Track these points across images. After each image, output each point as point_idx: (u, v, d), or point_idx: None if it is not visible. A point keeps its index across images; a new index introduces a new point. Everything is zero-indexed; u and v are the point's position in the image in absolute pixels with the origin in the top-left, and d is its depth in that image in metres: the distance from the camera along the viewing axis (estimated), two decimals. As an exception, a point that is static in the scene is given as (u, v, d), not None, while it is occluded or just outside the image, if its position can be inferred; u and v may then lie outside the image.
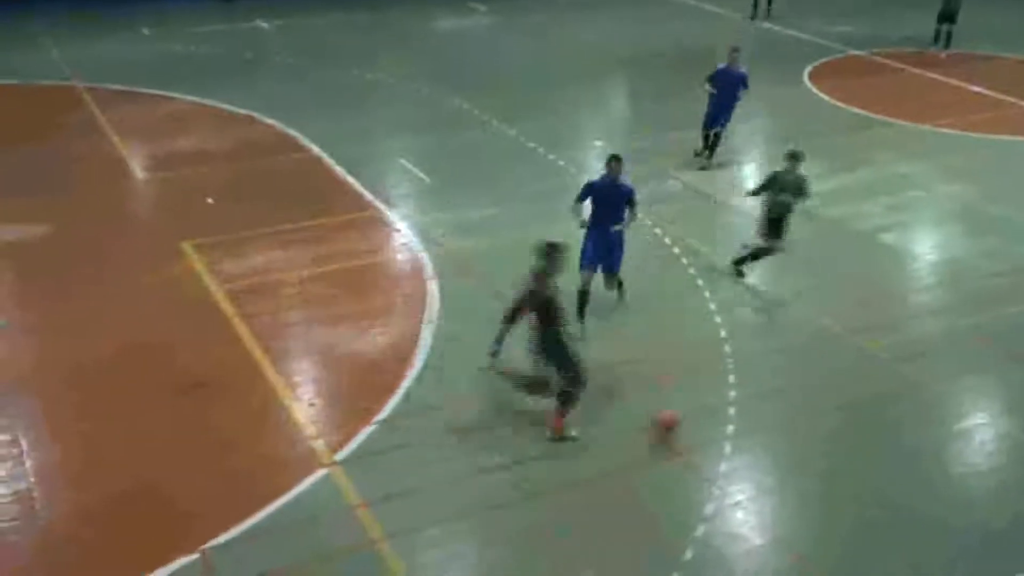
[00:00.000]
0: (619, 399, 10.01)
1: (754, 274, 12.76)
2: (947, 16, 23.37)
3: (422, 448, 9.23)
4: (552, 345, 8.99)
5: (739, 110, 16.23)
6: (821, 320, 11.58)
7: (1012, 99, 19.90)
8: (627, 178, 11.16)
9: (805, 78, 21.34)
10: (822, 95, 20.29)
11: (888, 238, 13.87)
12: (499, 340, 9.21)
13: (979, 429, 9.72)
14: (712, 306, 11.89)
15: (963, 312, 11.82)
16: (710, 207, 14.95)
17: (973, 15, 24.77)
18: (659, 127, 18.38)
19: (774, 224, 12.24)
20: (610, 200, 11.02)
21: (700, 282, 12.49)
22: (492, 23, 27.66)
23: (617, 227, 11.05)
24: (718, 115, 16.10)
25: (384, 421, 9.63)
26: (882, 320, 11.65)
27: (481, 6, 29.20)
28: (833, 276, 12.74)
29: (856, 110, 19.26)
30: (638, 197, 11.19)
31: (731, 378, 10.37)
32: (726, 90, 15.91)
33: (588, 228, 11.13)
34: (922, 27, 24.83)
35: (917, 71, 22.18)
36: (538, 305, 8.91)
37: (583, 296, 11.08)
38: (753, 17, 26.67)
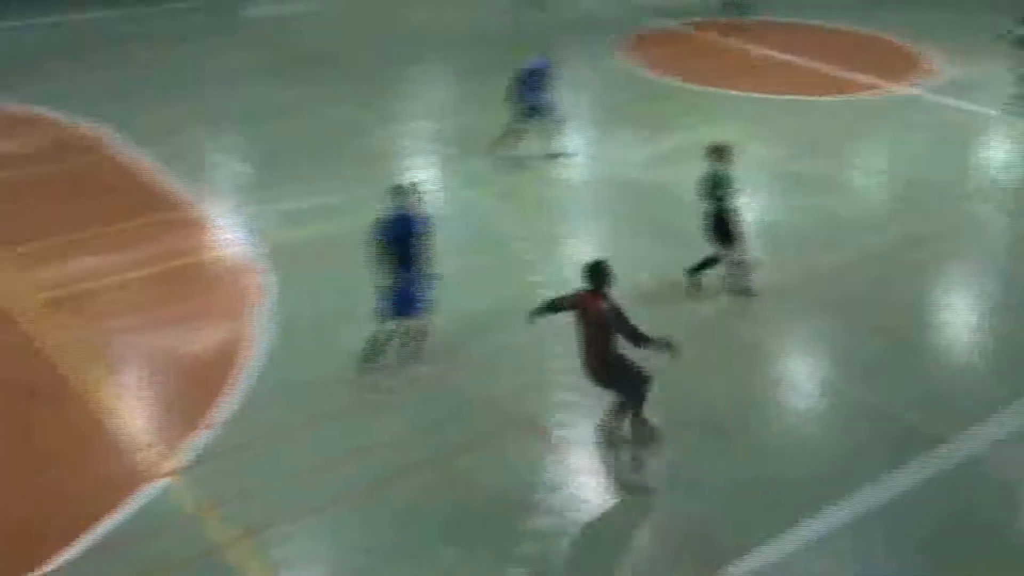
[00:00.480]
0: (461, 373, 10.10)
1: (580, 243, 13.08)
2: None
3: (266, 446, 9.07)
4: (618, 359, 8.47)
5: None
6: (649, 283, 11.92)
7: (811, 63, 21.00)
8: (422, 208, 10.01)
9: (614, 50, 21.90)
10: (631, 66, 20.89)
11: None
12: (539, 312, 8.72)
13: (801, 377, 10.33)
14: (538, 278, 12.05)
15: (780, 266, 12.42)
16: (541, 182, 15.19)
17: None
18: (493, 105, 18.51)
19: (719, 228, 11.50)
20: (402, 237, 9.67)
21: (529, 258, 12.69)
22: (317, 7, 27.18)
23: (415, 269, 9.75)
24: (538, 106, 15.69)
25: (223, 423, 9.39)
26: (710, 278, 12.11)
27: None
28: (654, 238, 13.15)
29: (667, 79, 19.92)
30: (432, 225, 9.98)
31: (558, 347, 10.44)
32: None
33: (390, 272, 9.71)
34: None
35: (722, 39, 23.09)
36: (604, 320, 8.26)
37: (378, 344, 10.02)
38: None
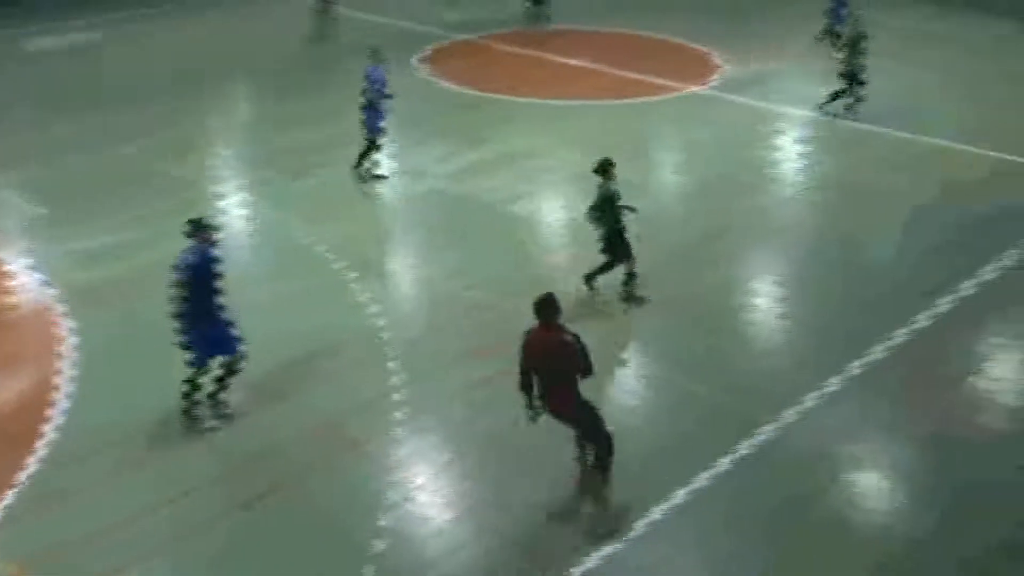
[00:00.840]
0: (282, 404, 9.78)
1: (399, 259, 12.99)
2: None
3: (76, 499, 8.48)
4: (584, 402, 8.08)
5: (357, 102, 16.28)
6: (471, 293, 11.98)
7: (607, 68, 21.62)
8: (221, 241, 9.44)
9: (413, 64, 21.89)
10: (433, 79, 20.93)
11: (516, 208, 14.60)
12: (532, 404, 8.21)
13: (626, 372, 10.55)
14: (365, 297, 11.91)
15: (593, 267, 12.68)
16: (350, 200, 14.95)
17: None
18: (289, 127, 18.14)
19: (615, 242, 11.49)
20: (203, 275, 8.98)
21: (349, 276, 12.47)
22: (95, 38, 25.88)
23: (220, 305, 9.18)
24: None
25: (30, 478, 8.73)
26: (528, 282, 12.21)
27: (79, 21, 27.21)
28: (473, 251, 13.21)
29: (469, 90, 20.06)
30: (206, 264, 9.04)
31: (391, 365, 10.45)
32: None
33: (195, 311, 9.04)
34: (521, 9, 26.38)
35: (521, 50, 23.46)
36: (571, 350, 7.83)
37: (193, 386, 9.40)
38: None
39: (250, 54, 23.74)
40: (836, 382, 10.08)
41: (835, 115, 17.76)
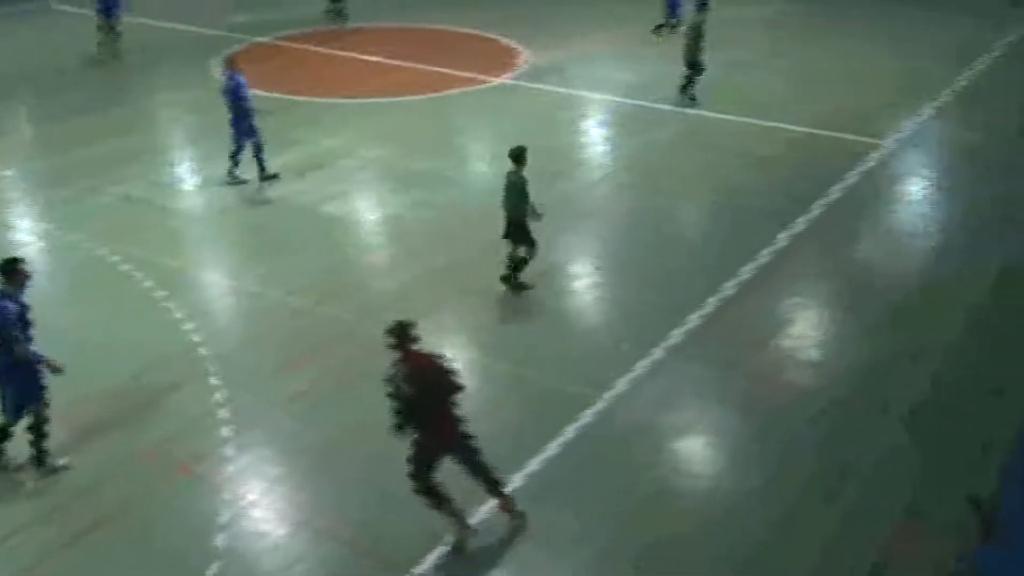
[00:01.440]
0: (103, 432, 9.34)
1: (211, 271, 12.61)
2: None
3: None
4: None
5: (157, 114, 15.73)
6: (291, 299, 11.76)
7: (410, 63, 21.60)
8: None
9: (211, 70, 21.23)
10: (236, 84, 20.33)
11: (331, 208, 14.42)
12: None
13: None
14: (179, 315, 11.50)
15: (412, 264, 12.68)
16: (155, 214, 14.36)
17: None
18: (82, 142, 17.24)
19: (522, 229, 11.54)
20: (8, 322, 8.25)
21: (159, 294, 11.99)
22: None
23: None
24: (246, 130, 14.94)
25: None
26: (346, 285, 12.12)
27: None
28: (291, 255, 12.96)
29: (272, 94, 19.61)
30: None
31: (214, 380, 10.15)
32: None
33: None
34: (316, 8, 25.97)
35: (320, 49, 23.11)
36: (444, 372, 7.43)
37: (4, 434, 8.75)
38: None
39: (33, 70, 22.37)
40: (655, 355, 10.46)
41: (693, 100, 18.22)
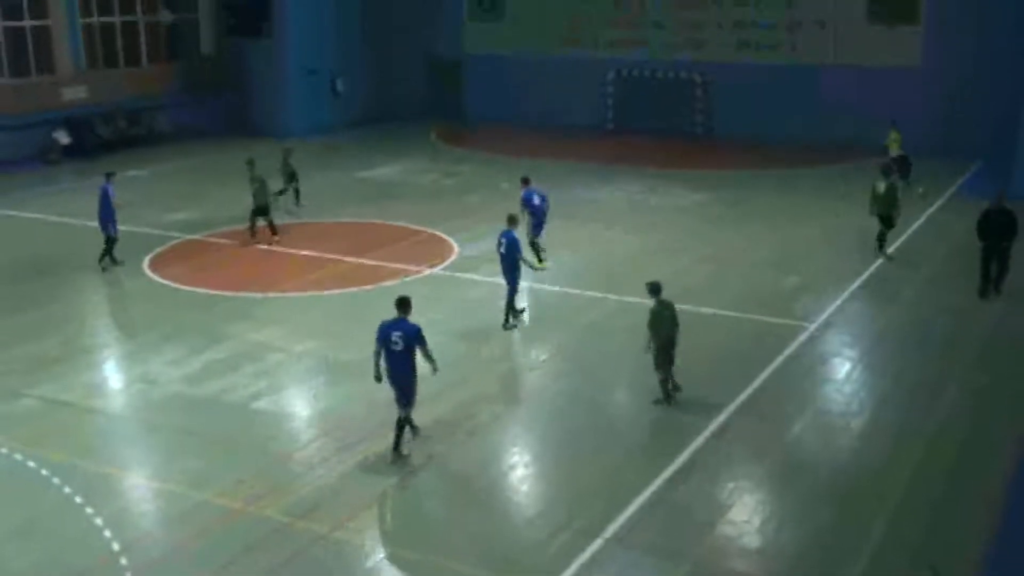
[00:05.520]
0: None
1: (134, 474, 12.18)
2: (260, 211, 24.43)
3: None
4: None
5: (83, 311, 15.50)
6: (219, 501, 11.35)
7: (338, 256, 21.79)
8: None
9: (145, 268, 21.20)
10: (165, 282, 20.28)
11: (261, 404, 14.17)
12: None
13: None
14: (99, 521, 10.99)
15: (345, 457, 12.42)
16: (77, 416, 13.93)
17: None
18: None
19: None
20: None
21: (79, 499, 11.49)
22: None
23: None
24: None
25: None
26: (271, 487, 11.77)
27: None
28: (217, 455, 12.59)
29: (202, 290, 19.58)
30: None
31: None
32: None
33: None
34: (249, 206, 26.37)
35: (250, 246, 23.22)
36: None
37: None
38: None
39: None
40: (597, 545, 10.25)
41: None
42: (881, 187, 19.81)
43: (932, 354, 15.53)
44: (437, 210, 24.90)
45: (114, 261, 20.90)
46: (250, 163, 23.54)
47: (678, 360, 13.58)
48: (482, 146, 33.50)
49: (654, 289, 13.51)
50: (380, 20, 38.39)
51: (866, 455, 12.39)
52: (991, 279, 17.39)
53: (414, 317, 12.33)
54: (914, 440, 12.60)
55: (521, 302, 17.62)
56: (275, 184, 24.74)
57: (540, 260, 19.65)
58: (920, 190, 19.80)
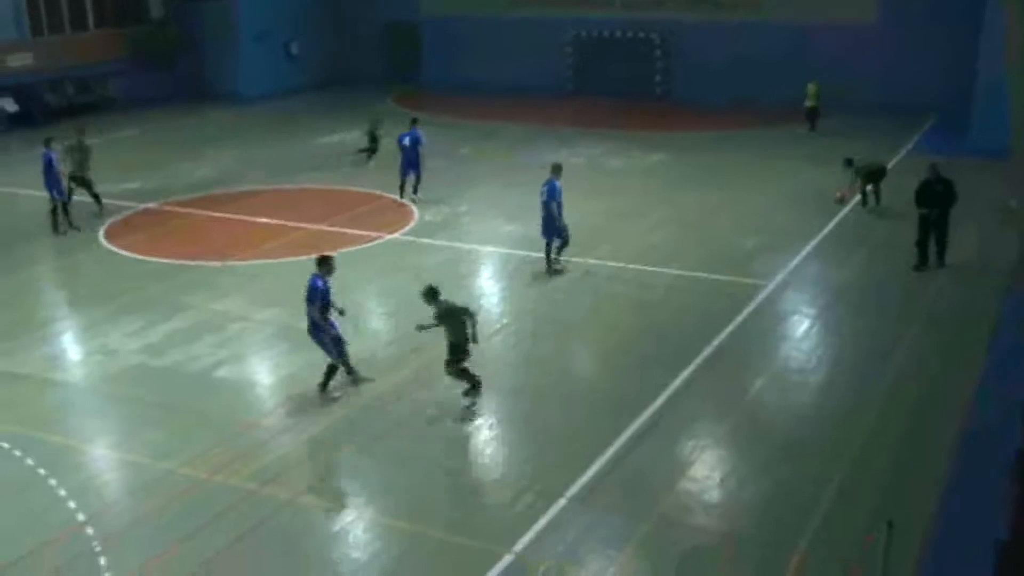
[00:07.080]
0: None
1: (97, 445, 12.11)
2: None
3: None
4: None
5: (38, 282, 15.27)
6: (183, 470, 11.34)
7: (301, 223, 21.64)
8: None
9: (101, 239, 20.94)
10: (122, 252, 20.05)
11: (223, 373, 14.12)
12: None
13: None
14: (63, 492, 10.94)
15: (308, 423, 12.45)
16: (36, 389, 13.80)
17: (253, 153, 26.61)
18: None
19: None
20: None
21: (42, 471, 11.43)
22: None
23: None
24: None
25: None
26: (240, 452, 11.79)
27: None
28: (179, 426, 12.55)
29: (159, 259, 19.38)
30: None
31: (102, 560, 9.63)
32: None
33: None
34: (207, 172, 26.07)
35: (207, 213, 23.00)
36: None
37: None
38: None
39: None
40: (560, 505, 10.38)
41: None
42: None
43: (887, 311, 15.80)
44: (397, 175, 24.74)
45: (71, 225, 20.97)
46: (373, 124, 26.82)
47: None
48: (442, 110, 33.27)
49: (430, 294, 12.68)
50: (336, -18, 37.93)
51: (824, 411, 12.63)
52: (927, 254, 17.52)
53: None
54: (870, 397, 12.85)
55: (480, 264, 17.63)
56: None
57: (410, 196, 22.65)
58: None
